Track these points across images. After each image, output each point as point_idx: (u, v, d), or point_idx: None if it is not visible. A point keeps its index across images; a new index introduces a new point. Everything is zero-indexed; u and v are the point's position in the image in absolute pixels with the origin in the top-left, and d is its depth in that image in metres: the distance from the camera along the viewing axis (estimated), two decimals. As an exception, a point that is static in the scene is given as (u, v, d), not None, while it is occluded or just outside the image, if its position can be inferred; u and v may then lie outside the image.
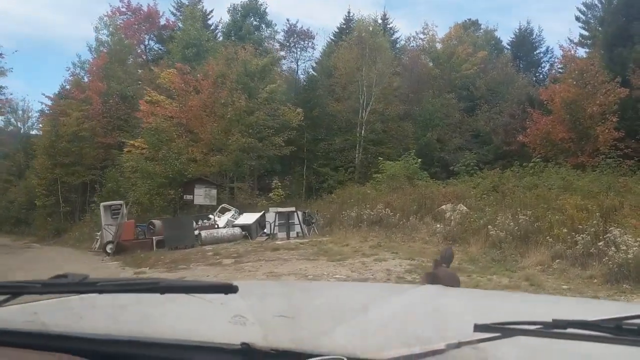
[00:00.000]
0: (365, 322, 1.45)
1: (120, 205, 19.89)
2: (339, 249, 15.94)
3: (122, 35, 40.73)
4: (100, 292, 1.30)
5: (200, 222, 21.18)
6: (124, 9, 44.27)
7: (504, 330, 1.04)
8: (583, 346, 1.01)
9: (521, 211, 15.51)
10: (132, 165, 27.86)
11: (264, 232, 20.37)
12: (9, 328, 1.26)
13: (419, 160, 27.10)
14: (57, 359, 1.11)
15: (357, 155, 34.24)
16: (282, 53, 42.46)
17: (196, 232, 19.42)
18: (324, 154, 35.39)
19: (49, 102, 41.82)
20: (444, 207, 20.20)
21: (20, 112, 62.00)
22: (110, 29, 41.69)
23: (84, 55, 45.58)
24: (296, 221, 20.17)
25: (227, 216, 21.51)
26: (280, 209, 20.74)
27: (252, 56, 28.25)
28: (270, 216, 20.38)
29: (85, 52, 47.88)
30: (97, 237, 20.48)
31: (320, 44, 55.51)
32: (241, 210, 22.55)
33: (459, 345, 1.02)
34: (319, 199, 28.61)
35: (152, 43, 46.54)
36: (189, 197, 24.69)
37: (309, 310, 1.76)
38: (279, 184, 27.18)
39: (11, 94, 41.88)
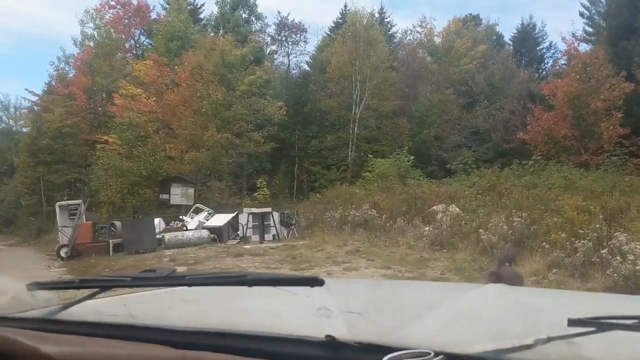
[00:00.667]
0: (444, 317, 1.45)
1: (78, 205, 18.34)
2: (311, 255, 14.43)
3: (110, 29, 39.21)
4: (189, 285, 1.38)
5: (172, 223, 19.72)
6: (113, 2, 42.71)
7: (599, 324, 1.03)
8: None
9: (516, 213, 14.02)
10: (104, 162, 26.36)
11: (237, 235, 18.88)
12: (100, 320, 1.31)
13: (412, 158, 25.58)
14: (150, 350, 1.12)
15: (349, 153, 32.87)
16: (274, 47, 41.00)
17: (160, 235, 17.93)
18: (316, 151, 33.97)
19: (34, 98, 40.40)
20: (435, 207, 18.75)
21: (12, 109, 60.91)
22: (97, 22, 40.24)
23: (69, 50, 44.19)
24: (272, 223, 18.67)
25: (200, 217, 19.99)
26: (254, 210, 19.22)
27: (232, 46, 26.61)
28: (244, 217, 18.91)
29: (71, 46, 46.25)
30: (59, 240, 19.02)
31: (314, 38, 54.23)
32: (220, 210, 21.06)
33: (549, 339, 0.99)
34: (306, 199, 27.17)
35: (143, 38, 44.95)
36: (165, 196, 23.16)
37: (390, 305, 1.76)
38: (264, 183, 25.62)
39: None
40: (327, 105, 34.83)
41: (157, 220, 19.09)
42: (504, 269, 5.65)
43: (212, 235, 17.89)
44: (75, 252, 16.73)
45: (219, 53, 25.38)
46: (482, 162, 27.93)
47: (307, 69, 41.20)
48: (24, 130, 41.02)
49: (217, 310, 1.59)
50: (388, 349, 0.97)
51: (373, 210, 18.85)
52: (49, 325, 1.30)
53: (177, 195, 22.90)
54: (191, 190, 23.27)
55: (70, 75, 40.06)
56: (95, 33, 40.24)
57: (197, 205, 21.58)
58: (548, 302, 1.95)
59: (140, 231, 17.16)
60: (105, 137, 27.00)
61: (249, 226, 18.40)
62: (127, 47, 42.52)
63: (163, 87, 25.70)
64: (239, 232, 18.76)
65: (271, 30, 42.16)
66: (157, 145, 25.55)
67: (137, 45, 43.07)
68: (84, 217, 18.18)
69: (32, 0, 76.88)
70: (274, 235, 18.55)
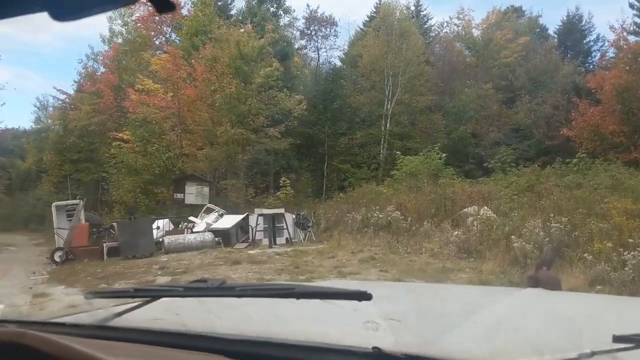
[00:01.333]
0: (483, 326, 1.49)
1: (76, 205, 17.19)
2: (318, 264, 12.89)
3: (139, 25, 38.42)
4: (239, 296, 1.38)
5: (181, 225, 18.49)
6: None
7: None
8: None
9: (555, 217, 12.30)
10: (117, 160, 25.36)
11: (247, 239, 17.54)
12: (153, 327, 1.34)
13: (444, 155, 23.86)
14: (202, 358, 1.15)
15: (381, 151, 31.36)
16: (303, 42, 39.51)
17: (160, 238, 16.69)
18: (346, 149, 32.63)
19: (63, 97, 39.93)
20: (467, 210, 17.13)
21: (50, 108, 61.14)
22: (125, 18, 39.52)
23: (97, 47, 43.52)
24: (284, 225, 17.26)
25: (210, 218, 18.69)
26: (264, 211, 17.80)
27: (250, 38, 25.23)
28: (254, 219, 17.59)
29: (99, 43, 45.54)
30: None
31: (345, 33, 52.66)
32: (237, 211, 19.75)
33: (592, 354, 0.98)
34: (329, 199, 25.73)
35: (174, 35, 44.07)
36: (179, 195, 21.91)
37: (429, 313, 1.81)
38: (287, 181, 24.24)
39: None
40: (357, 101, 33.44)
41: (163, 222, 17.91)
42: (542, 272, 5.37)
43: (217, 239, 16.50)
44: (71, 256, 15.58)
45: (234, 44, 24.04)
46: (523, 161, 26.59)
47: (338, 63, 39.64)
48: (53, 128, 40.49)
49: (265, 320, 1.56)
50: None
51: (398, 211, 17.29)
52: (104, 332, 1.33)
53: (192, 194, 21.65)
54: (206, 189, 21.97)
55: (99, 73, 39.45)
56: (124, 30, 39.54)
57: (208, 205, 20.29)
58: (589, 312, 1.93)
59: (136, 234, 15.85)
60: (121, 134, 25.95)
61: (258, 229, 17.04)
62: (157, 44, 41.69)
63: (180, 82, 24.49)
64: (248, 236, 17.42)
65: (300, 24, 40.80)
66: (172, 142, 24.37)
67: (168, 43, 42.22)
68: (82, 217, 17.02)
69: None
70: (287, 239, 17.15)
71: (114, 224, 17.16)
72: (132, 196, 23.92)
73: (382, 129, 31.79)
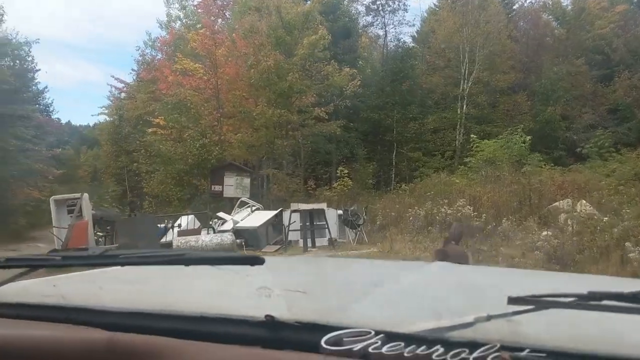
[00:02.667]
0: (387, 296, 1.46)
1: (77, 199, 14.63)
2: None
3: (194, 7, 36.48)
4: (122, 264, 1.33)
5: (212, 222, 15.87)
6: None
7: (538, 302, 1.03)
8: (618, 318, 1.00)
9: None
10: (149, 148, 23.10)
11: (280, 239, 14.68)
12: (28, 301, 1.28)
13: (528, 138, 20.34)
14: (79, 332, 1.08)
15: (457, 137, 28.18)
16: (368, 18, 35.98)
17: (167, 239, 13.98)
18: (416, 135, 29.58)
19: (120, 85, 38.61)
20: (558, 204, 13.84)
21: (107, 99, 60.85)
22: (183, 2, 37.72)
23: (155, 33, 41.93)
24: (325, 223, 14.31)
25: (240, 215, 15.96)
26: (301, 206, 14.84)
27: (294, 3, 22.09)
28: (288, 216, 14.69)
29: (156, 28, 43.87)
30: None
31: (415, 7, 48.84)
32: (278, 206, 16.99)
33: (489, 317, 0.99)
34: (393, 191, 22.66)
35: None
36: (217, 188, 19.34)
37: (333, 284, 1.80)
38: (345, 172, 21.36)
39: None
40: (430, 81, 30.62)
41: (187, 219, 15.27)
42: (451, 247, 6.15)
43: (239, 241, 13.64)
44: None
45: (274, 10, 21.08)
46: (622, 146, 23.36)
47: (407, 41, 36.01)
48: (109, 119, 39.26)
49: (153, 291, 1.50)
50: (329, 328, 0.96)
51: (470, 206, 14.12)
52: None
53: (231, 186, 19.02)
54: (247, 180, 19.19)
55: (157, 59, 37.87)
56: (181, 14, 37.80)
57: (243, 199, 17.56)
58: (491, 281, 1.96)
59: (138, 234, 13.20)
60: (158, 120, 23.65)
61: (292, 228, 14.15)
62: (216, 28, 39.63)
63: (220, 59, 21.79)
64: (282, 236, 14.58)
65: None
66: (210, 128, 21.76)
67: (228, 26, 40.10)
68: (86, 214, 14.50)
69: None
70: (329, 240, 14.19)
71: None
72: (162, 188, 21.64)
73: (458, 111, 28.73)
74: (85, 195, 13.95)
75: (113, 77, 47.24)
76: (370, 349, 0.88)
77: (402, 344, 0.89)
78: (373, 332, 0.91)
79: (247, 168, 20.75)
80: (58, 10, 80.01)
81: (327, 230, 14.11)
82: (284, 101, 21.51)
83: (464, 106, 28.48)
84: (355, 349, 0.88)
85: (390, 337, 0.91)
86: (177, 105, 22.13)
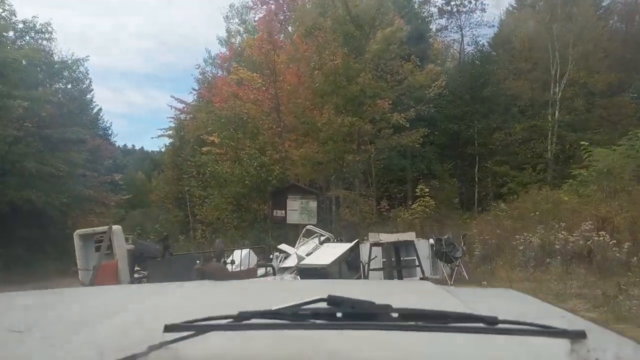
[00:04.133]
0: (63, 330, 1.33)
1: (104, 234, 11.77)
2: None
3: (255, 22, 34.42)
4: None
5: (272, 256, 13.06)
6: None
7: (196, 327, 1.00)
8: (263, 335, 1.01)
9: None
10: (201, 170, 20.60)
11: (359, 278, 11.57)
12: None
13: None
14: None
15: (549, 147, 24.67)
16: (442, 21, 32.70)
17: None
18: (501, 147, 26.26)
19: (181, 106, 36.84)
20: None
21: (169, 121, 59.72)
22: (243, 16, 35.83)
23: (214, 50, 40.16)
24: (416, 260, 11.20)
25: (305, 248, 12.96)
26: (384, 237, 11.67)
27: None
28: (371, 251, 11.47)
29: (216, 45, 42.30)
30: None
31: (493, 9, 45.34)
32: (351, 234, 14.01)
33: (149, 350, 0.95)
34: (484, 212, 19.38)
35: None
36: (280, 213, 16.66)
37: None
38: (426, 190, 18.28)
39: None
40: (514, 86, 27.12)
41: (242, 253, 12.32)
42: (210, 265, 6.62)
43: None
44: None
45: (341, 3, 18.13)
46: None
47: (486, 43, 32.58)
48: (170, 142, 37.59)
49: None
50: None
51: (602, 232, 10.77)
52: None
53: (295, 210, 16.26)
54: (313, 204, 16.31)
55: (218, 76, 36.06)
56: (241, 29, 35.90)
57: (309, 227, 14.58)
58: (173, 302, 1.81)
59: (172, 278, 10.43)
60: (212, 138, 21.16)
61: (373, 265, 11.12)
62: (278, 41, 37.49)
63: (280, 67, 19.10)
64: (360, 275, 11.51)
65: (438, 0, 34.00)
66: (269, 144, 19.04)
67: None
68: (117, 251, 11.68)
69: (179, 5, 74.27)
70: (421, 279, 11.05)
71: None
72: (217, 214, 19.08)
73: (550, 118, 25.15)
74: (117, 227, 11.21)
75: (173, 97, 45.83)
76: None
77: None
78: None
79: (312, 189, 17.82)
80: (130, 41, 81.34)
81: (419, 268, 10.96)
82: (355, 108, 18.44)
83: (556, 112, 24.94)
84: None
85: None
86: (233, 120, 19.50)
